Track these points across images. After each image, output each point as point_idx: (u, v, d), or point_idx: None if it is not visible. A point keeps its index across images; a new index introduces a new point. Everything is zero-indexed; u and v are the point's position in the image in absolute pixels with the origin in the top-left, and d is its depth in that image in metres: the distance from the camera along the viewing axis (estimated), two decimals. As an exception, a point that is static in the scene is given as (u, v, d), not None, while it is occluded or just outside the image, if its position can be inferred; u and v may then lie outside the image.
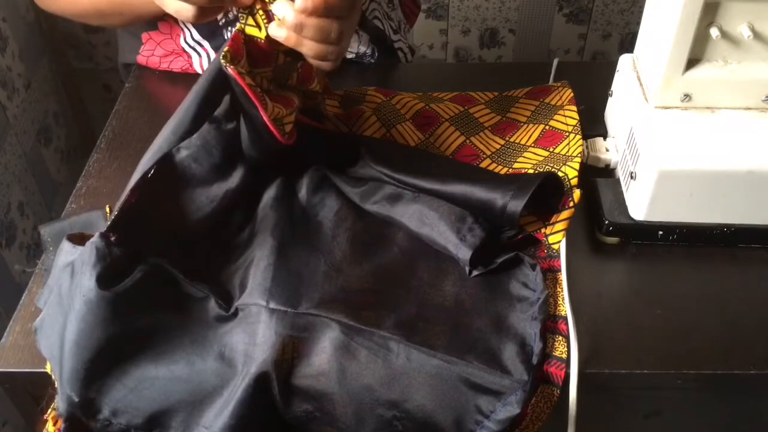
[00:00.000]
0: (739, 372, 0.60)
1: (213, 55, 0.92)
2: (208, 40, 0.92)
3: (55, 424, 0.57)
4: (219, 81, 0.62)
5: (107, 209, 0.68)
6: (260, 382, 0.55)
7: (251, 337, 0.57)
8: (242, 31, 0.62)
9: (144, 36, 0.95)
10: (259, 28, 0.62)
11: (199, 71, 0.94)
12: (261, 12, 0.62)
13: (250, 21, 0.63)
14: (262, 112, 0.61)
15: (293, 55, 0.67)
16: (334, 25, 0.62)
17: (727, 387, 0.64)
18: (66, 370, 0.56)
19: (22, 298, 0.67)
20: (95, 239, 0.57)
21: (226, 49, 0.60)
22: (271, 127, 0.62)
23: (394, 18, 1.06)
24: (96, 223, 0.67)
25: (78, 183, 0.78)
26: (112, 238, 0.57)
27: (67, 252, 0.60)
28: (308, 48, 0.62)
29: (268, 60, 0.64)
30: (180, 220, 0.65)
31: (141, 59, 0.96)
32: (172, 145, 0.61)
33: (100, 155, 0.82)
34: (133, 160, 0.80)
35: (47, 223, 0.68)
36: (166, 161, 0.64)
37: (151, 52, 0.95)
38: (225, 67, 0.59)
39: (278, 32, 0.62)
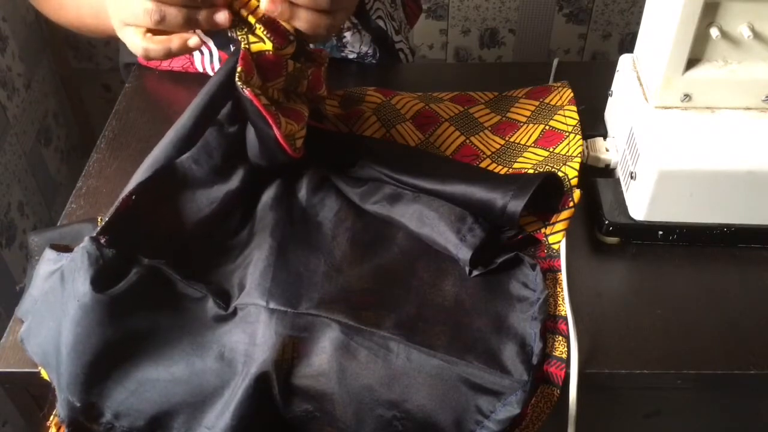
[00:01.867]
0: (739, 372, 0.60)
1: (216, 52, 0.92)
2: (211, 38, 0.92)
3: (58, 430, 0.57)
4: (220, 96, 0.63)
5: (99, 220, 0.66)
6: (260, 382, 0.55)
7: (251, 338, 0.57)
8: (248, 50, 0.62)
9: (146, 34, 0.95)
10: (264, 42, 0.62)
11: (200, 70, 0.94)
12: (259, 26, 0.62)
13: (252, 38, 0.62)
14: (276, 131, 0.62)
15: (300, 59, 0.67)
16: None
17: (727, 387, 0.64)
18: (65, 376, 0.56)
19: (22, 298, 0.67)
20: (85, 243, 0.57)
21: (239, 69, 0.60)
22: (284, 145, 0.63)
23: (396, 18, 1.06)
24: (87, 234, 0.66)
25: (78, 183, 0.78)
26: (103, 241, 0.57)
27: (51, 260, 0.60)
28: (303, 20, 0.62)
29: (278, 70, 0.64)
30: (179, 222, 0.65)
31: (142, 58, 0.96)
32: (169, 157, 0.62)
33: (100, 155, 0.82)
34: (133, 160, 0.80)
35: (37, 231, 0.67)
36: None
37: (152, 51, 0.95)
38: (242, 89, 0.60)
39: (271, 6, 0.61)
